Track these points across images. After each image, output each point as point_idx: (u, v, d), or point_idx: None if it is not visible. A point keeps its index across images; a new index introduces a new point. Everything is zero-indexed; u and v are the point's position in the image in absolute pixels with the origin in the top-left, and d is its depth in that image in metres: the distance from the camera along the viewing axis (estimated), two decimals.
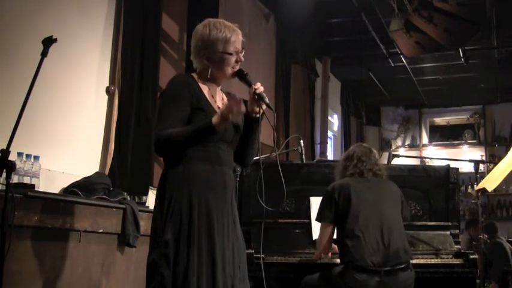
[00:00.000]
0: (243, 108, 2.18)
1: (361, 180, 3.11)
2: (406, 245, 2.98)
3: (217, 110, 2.28)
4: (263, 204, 2.28)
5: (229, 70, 2.31)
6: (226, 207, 2.24)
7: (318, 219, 3.13)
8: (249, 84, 2.27)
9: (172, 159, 2.23)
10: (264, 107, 2.26)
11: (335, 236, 3.10)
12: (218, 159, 2.25)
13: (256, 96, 2.25)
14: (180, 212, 2.14)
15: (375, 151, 3.28)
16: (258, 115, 2.29)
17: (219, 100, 2.36)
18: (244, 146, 2.38)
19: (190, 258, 2.09)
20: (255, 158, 2.49)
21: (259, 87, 2.26)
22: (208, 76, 2.32)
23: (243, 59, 2.34)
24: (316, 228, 3.42)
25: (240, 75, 2.31)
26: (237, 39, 2.32)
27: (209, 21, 2.34)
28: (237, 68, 2.33)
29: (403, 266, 2.90)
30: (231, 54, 2.29)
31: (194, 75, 2.35)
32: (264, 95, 2.25)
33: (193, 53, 2.35)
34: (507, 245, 6.53)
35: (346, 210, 2.99)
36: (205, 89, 2.31)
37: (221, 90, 2.43)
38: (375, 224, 2.95)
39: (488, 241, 6.22)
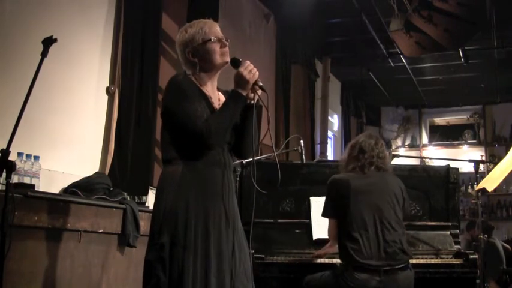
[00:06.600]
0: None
1: (361, 176, 3.05)
2: (405, 245, 2.98)
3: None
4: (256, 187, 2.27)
5: (218, 58, 2.28)
6: (224, 210, 2.21)
7: (322, 214, 3.13)
8: None
9: (171, 161, 2.22)
10: (259, 92, 2.25)
11: None
12: (217, 161, 2.23)
13: None
14: (177, 214, 2.12)
15: (381, 142, 3.19)
16: (253, 101, 2.27)
17: (215, 100, 2.32)
18: (240, 135, 2.33)
19: (185, 261, 2.07)
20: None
21: None
22: (198, 72, 2.29)
23: (227, 43, 2.31)
24: (316, 228, 3.42)
25: (234, 62, 2.29)
26: (212, 26, 2.31)
27: (183, 27, 2.35)
28: (227, 54, 2.30)
29: (402, 265, 2.90)
30: (210, 40, 2.27)
31: (191, 76, 2.32)
32: (258, 79, 2.25)
33: (181, 58, 2.34)
34: (499, 245, 6.61)
35: (344, 210, 2.98)
36: (203, 89, 2.29)
37: (218, 90, 2.39)
38: (373, 224, 2.94)
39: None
